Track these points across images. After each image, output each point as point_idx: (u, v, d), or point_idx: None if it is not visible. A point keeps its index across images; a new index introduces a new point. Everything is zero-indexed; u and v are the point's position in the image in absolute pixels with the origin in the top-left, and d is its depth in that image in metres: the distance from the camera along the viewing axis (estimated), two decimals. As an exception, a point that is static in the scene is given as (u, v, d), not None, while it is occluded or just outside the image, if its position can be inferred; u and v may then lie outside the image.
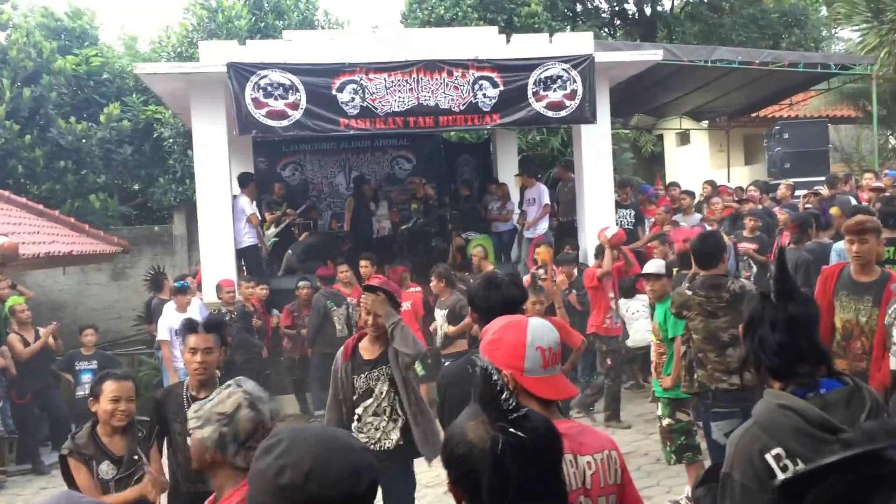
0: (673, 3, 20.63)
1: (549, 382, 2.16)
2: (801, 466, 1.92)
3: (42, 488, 8.16)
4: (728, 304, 4.88)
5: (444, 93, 9.55)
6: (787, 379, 2.08)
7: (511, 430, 1.45)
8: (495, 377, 1.51)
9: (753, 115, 17.48)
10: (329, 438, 1.43)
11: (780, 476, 1.93)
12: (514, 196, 12.63)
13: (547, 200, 11.36)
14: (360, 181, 12.82)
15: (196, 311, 9.68)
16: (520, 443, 1.44)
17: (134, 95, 15.99)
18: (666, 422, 5.69)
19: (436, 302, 8.58)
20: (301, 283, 9.90)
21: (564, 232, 11.33)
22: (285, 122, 9.27)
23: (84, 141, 15.15)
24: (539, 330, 2.20)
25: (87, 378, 9.03)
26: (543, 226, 11.18)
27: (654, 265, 6.21)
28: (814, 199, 10.03)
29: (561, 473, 1.57)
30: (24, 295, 9.94)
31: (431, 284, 8.38)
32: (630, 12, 20.45)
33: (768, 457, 1.98)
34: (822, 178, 11.84)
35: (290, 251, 11.37)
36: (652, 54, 10.73)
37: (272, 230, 11.71)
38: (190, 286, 9.70)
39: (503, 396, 1.48)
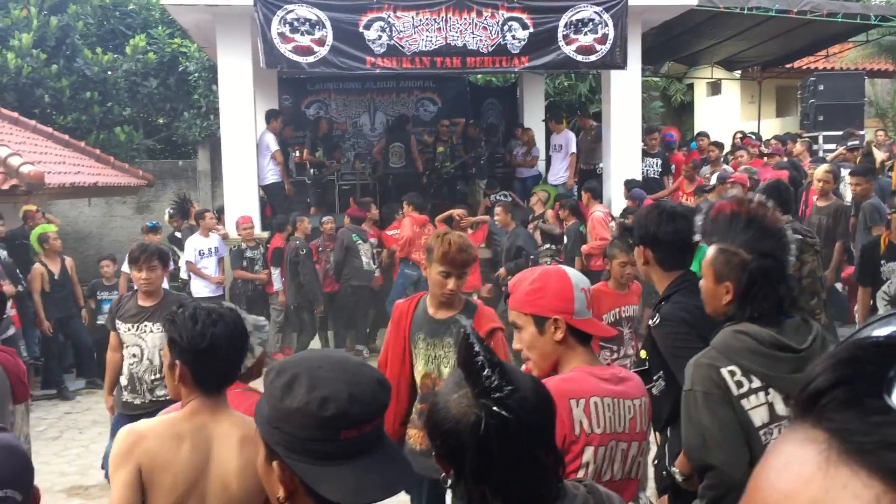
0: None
1: (594, 322, 2.21)
2: (756, 382, 2.17)
3: (66, 413, 8.37)
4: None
5: (473, 33, 9.39)
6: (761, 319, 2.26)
7: (495, 408, 1.38)
8: (477, 348, 1.41)
9: (787, 65, 17.08)
10: (340, 360, 1.47)
11: (735, 390, 2.17)
12: (541, 142, 12.53)
13: (574, 148, 11.28)
14: (405, 120, 12.68)
15: (215, 245, 9.80)
16: (503, 422, 1.38)
17: (160, 28, 15.87)
18: None
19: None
20: (325, 219, 9.98)
21: (585, 179, 11.26)
22: (311, 59, 9.17)
23: (110, 72, 15.11)
24: (576, 272, 2.26)
25: (108, 308, 9.24)
26: (568, 174, 11.16)
27: None
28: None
29: (552, 442, 1.51)
30: (53, 223, 10.05)
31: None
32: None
33: (724, 371, 2.18)
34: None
35: None
36: (687, -1, 10.46)
37: (314, 171, 11.73)
38: (161, 227, 10.34)
39: (485, 373, 1.40)
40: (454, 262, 3.29)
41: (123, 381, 4.76)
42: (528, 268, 9.62)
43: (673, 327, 2.76)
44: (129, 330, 4.75)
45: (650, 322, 2.94)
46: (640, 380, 2.30)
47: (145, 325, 4.72)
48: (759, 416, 2.18)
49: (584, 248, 9.01)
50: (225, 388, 2.34)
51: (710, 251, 2.32)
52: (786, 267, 2.30)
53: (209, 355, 2.22)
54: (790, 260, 2.32)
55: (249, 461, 2.24)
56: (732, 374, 2.18)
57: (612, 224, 9.56)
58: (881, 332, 0.45)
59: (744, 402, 2.18)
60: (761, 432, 2.16)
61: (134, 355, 4.73)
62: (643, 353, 2.98)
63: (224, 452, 2.23)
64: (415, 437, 3.52)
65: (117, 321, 4.81)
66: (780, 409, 2.18)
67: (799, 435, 0.45)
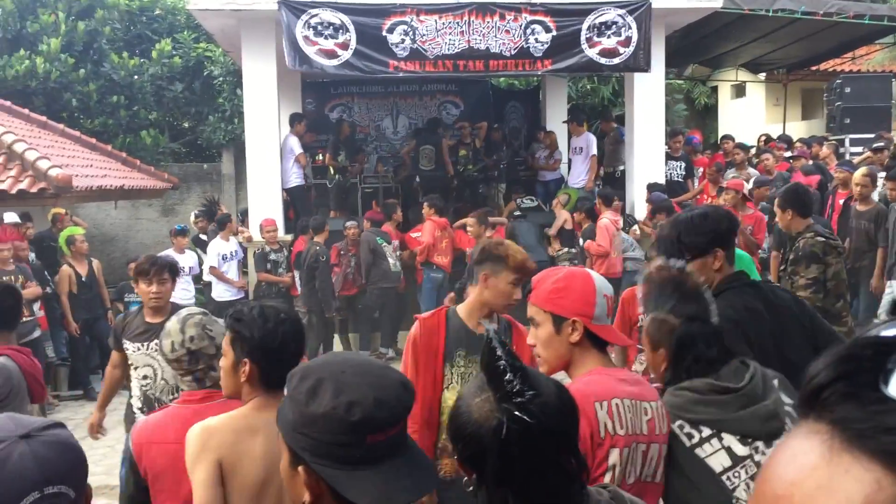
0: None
1: (612, 329, 2.23)
2: (706, 431, 2.21)
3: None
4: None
5: (496, 37, 9.39)
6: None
7: (516, 413, 1.37)
8: (499, 352, 1.40)
9: (813, 68, 16.92)
10: (363, 363, 1.47)
11: (687, 442, 2.21)
12: (563, 145, 12.52)
13: (594, 150, 11.25)
14: (436, 123, 12.64)
15: (236, 249, 9.92)
16: (525, 427, 1.36)
17: (185, 32, 16.03)
18: None
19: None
20: (349, 223, 9.98)
21: (607, 182, 11.25)
22: (335, 62, 9.21)
23: (136, 77, 15.30)
24: (601, 278, 2.26)
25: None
26: (588, 176, 11.15)
27: None
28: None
29: (576, 448, 1.49)
30: (80, 225, 10.18)
31: None
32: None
33: (673, 427, 2.21)
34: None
35: None
36: (711, 1, 10.40)
37: (339, 177, 11.75)
38: (189, 230, 10.43)
39: (507, 378, 1.38)
40: (526, 269, 3.16)
41: (137, 402, 4.36)
42: None
43: (719, 323, 2.79)
44: (138, 350, 4.33)
45: None
46: (652, 387, 2.33)
47: (156, 344, 3.94)
48: (717, 462, 2.19)
49: (585, 243, 9.06)
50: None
51: (646, 321, 2.38)
52: (713, 328, 2.33)
53: (279, 354, 2.24)
54: (714, 320, 2.35)
55: None
56: (681, 427, 2.21)
57: (636, 229, 9.55)
58: (887, 332, 0.48)
59: (698, 451, 2.20)
60: (724, 477, 2.18)
61: (146, 377, 4.30)
62: None
63: None
64: (448, 466, 3.25)
65: (124, 341, 4.41)
66: (740, 449, 2.19)
67: (803, 429, 0.48)
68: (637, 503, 1.65)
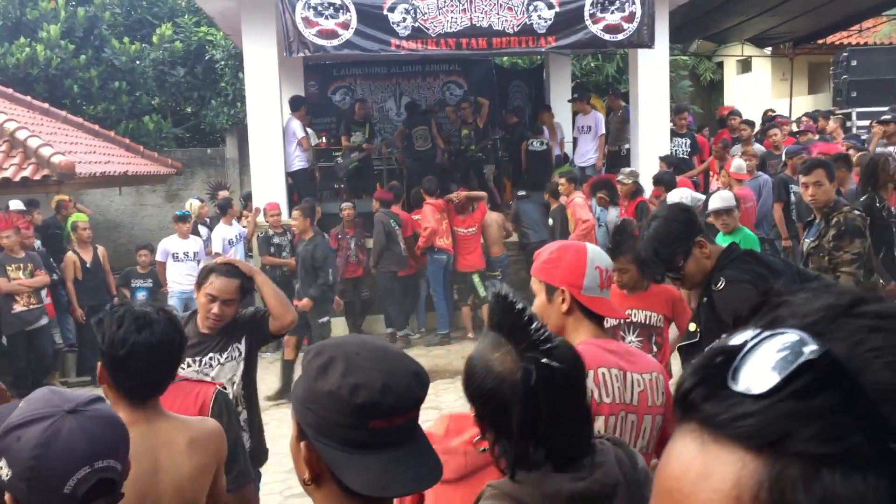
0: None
1: (604, 302, 2.24)
2: None
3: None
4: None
5: (498, 14, 9.30)
6: None
7: (544, 360, 1.42)
8: (520, 305, 1.45)
9: (820, 41, 16.76)
10: (379, 348, 1.44)
11: None
12: (568, 122, 12.44)
13: (603, 130, 11.18)
14: (414, 106, 12.55)
15: (239, 233, 9.88)
16: (551, 373, 1.42)
17: (186, 17, 15.96)
18: None
19: None
20: (344, 205, 9.92)
21: (612, 161, 11.16)
22: (336, 41, 9.14)
23: (138, 62, 15.23)
24: (598, 251, 2.30)
25: (141, 295, 9.62)
26: (597, 155, 11.08)
27: (723, 199, 5.95)
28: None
29: (585, 398, 1.55)
30: (83, 212, 10.17)
31: None
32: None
33: None
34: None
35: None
36: (716, -25, 10.31)
37: (356, 154, 11.54)
38: (191, 215, 10.07)
39: (533, 326, 1.43)
40: None
41: None
42: (334, 290, 9.09)
43: (744, 286, 2.79)
44: (188, 367, 3.43)
45: (713, 287, 2.91)
46: (650, 358, 2.35)
47: (209, 359, 3.52)
48: None
49: (572, 237, 8.99)
50: (151, 397, 2.26)
51: None
52: None
53: (127, 363, 2.16)
54: None
55: (199, 464, 2.22)
56: None
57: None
58: (733, 341, 0.58)
59: None
60: None
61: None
62: (692, 326, 3.02)
63: (174, 459, 2.19)
64: None
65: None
66: None
67: (680, 431, 0.59)
68: (636, 453, 1.66)
